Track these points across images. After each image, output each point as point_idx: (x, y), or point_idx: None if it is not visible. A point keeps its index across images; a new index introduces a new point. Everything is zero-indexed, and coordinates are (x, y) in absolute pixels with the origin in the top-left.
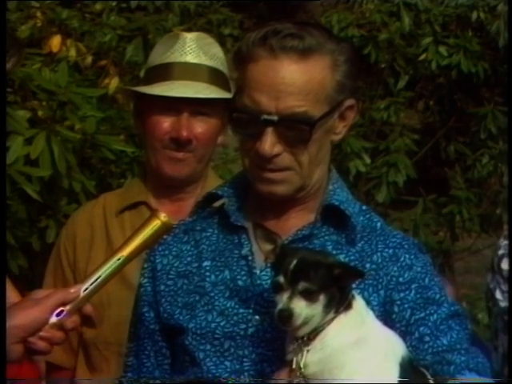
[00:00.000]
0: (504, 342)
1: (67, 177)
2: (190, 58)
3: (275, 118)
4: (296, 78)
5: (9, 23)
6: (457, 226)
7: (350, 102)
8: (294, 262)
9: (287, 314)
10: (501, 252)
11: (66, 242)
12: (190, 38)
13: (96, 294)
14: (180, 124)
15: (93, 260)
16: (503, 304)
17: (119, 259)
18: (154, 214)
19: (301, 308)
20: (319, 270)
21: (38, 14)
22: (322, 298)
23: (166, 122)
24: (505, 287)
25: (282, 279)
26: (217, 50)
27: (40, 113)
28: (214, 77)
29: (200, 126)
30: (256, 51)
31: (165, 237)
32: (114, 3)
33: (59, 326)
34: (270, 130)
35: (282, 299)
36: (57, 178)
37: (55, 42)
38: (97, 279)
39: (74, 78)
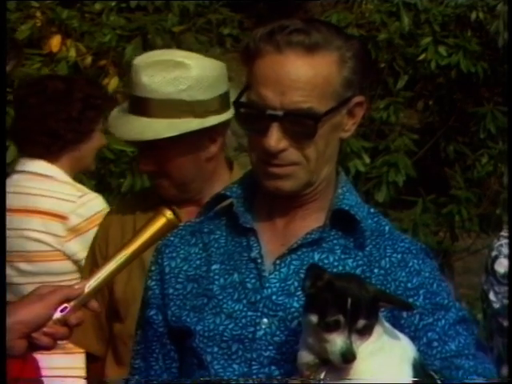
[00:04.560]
0: (498, 343)
1: None
2: (140, 92)
3: (280, 113)
4: (301, 73)
5: (8, 23)
6: (456, 225)
7: (358, 98)
8: (349, 300)
9: (352, 358)
10: (494, 253)
11: (100, 238)
12: (142, 73)
13: (122, 291)
14: (140, 159)
15: None
16: (497, 305)
17: (124, 256)
18: (159, 211)
19: (357, 345)
20: (370, 305)
21: (38, 13)
22: (370, 329)
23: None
24: (498, 288)
25: (342, 318)
26: (170, 74)
27: None
28: (164, 109)
29: (160, 159)
30: (262, 47)
31: (172, 239)
32: (114, 3)
33: (63, 322)
34: (275, 126)
35: (342, 339)
36: None
37: (55, 41)
38: (102, 276)
39: None
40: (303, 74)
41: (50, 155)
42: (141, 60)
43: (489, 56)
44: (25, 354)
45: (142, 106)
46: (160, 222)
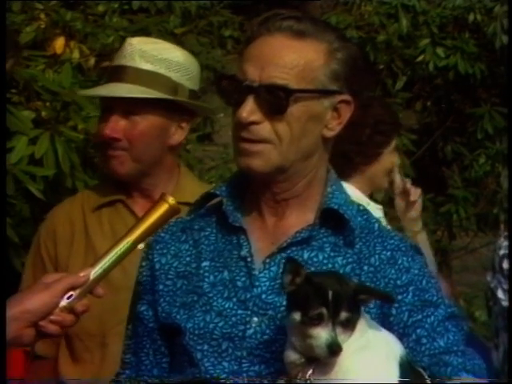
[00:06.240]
0: (505, 340)
1: (70, 176)
2: (125, 61)
3: (256, 84)
4: (284, 52)
5: (13, 25)
6: (454, 224)
7: (345, 96)
8: (331, 292)
9: (338, 349)
10: (502, 252)
11: (46, 238)
12: (128, 42)
13: None
14: (108, 123)
15: (74, 255)
16: (505, 303)
17: (128, 243)
18: (162, 197)
19: (342, 338)
20: (351, 298)
21: (42, 15)
22: (353, 323)
23: (102, 123)
24: (507, 286)
25: (324, 311)
26: (161, 53)
27: (44, 113)
28: (147, 79)
29: (130, 126)
30: (256, 30)
31: (162, 235)
32: (117, 5)
33: (69, 310)
34: (250, 98)
35: (326, 331)
36: (60, 177)
37: (59, 43)
38: (106, 263)
39: (78, 79)
40: (286, 53)
41: (343, 176)
42: (139, 38)
43: (486, 57)
44: (34, 342)
45: (126, 73)
46: (162, 208)
